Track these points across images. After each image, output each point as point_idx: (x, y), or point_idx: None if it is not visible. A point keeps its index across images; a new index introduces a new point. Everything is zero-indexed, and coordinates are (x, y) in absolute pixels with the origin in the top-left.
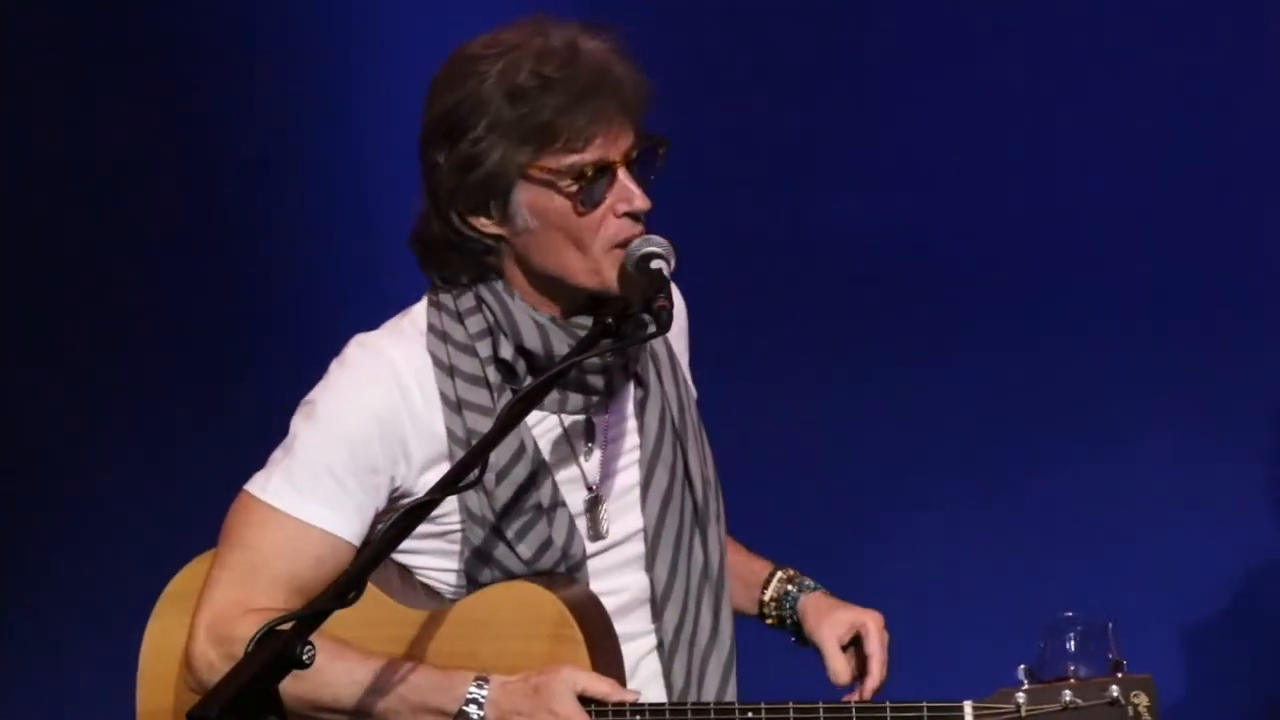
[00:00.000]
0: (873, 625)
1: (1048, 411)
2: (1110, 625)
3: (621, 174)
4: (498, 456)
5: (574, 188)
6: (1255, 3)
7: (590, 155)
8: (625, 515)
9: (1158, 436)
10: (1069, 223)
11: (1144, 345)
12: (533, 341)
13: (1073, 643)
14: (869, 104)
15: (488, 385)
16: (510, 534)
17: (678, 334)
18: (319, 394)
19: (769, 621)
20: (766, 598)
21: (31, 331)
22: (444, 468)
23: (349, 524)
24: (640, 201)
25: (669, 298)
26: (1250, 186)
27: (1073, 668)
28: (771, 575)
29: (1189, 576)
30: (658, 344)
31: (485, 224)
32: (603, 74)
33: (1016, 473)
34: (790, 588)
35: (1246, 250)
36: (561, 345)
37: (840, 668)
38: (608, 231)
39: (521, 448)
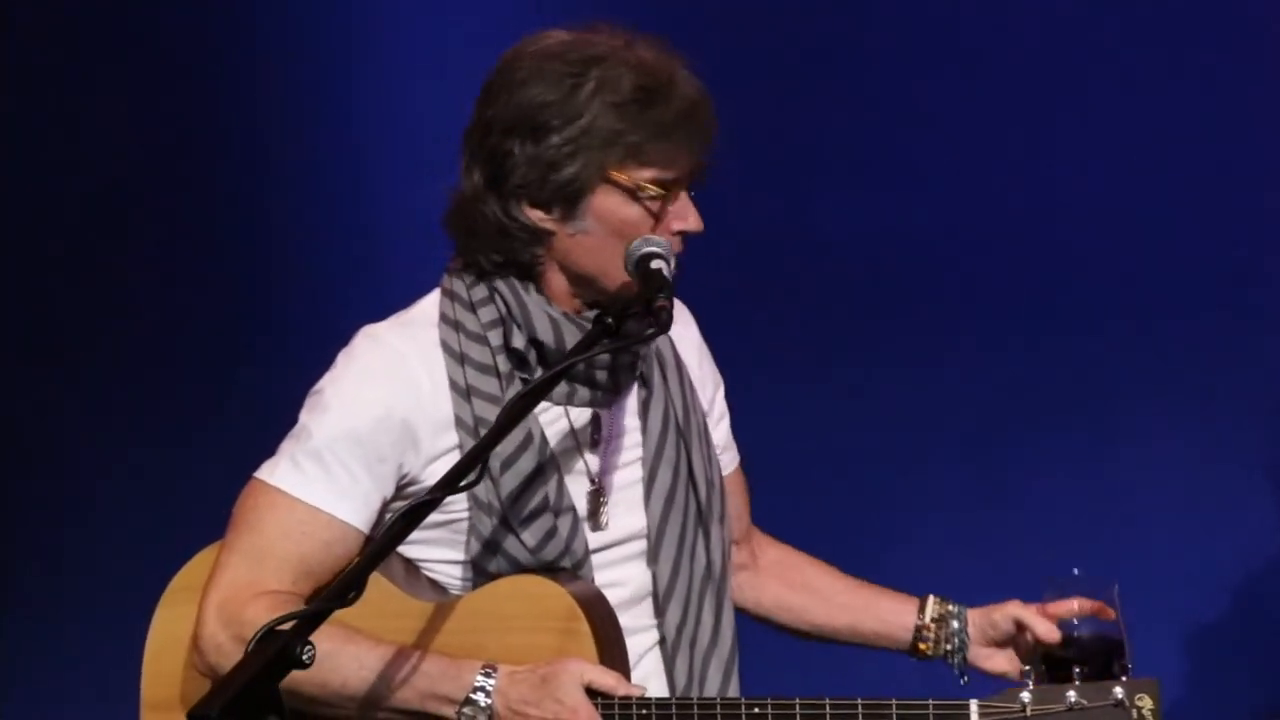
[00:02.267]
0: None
1: (1050, 412)
2: (1115, 587)
3: (684, 195)
4: (504, 445)
5: (655, 203)
6: (1255, 2)
7: (670, 174)
8: (628, 511)
9: (1160, 437)
10: (1070, 222)
11: (1146, 345)
12: (545, 334)
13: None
14: (871, 104)
15: (497, 374)
16: (516, 522)
17: (686, 348)
18: (327, 384)
19: (923, 647)
20: (926, 620)
21: (32, 331)
22: (453, 455)
23: (357, 511)
24: (696, 223)
25: (669, 298)
26: (1253, 186)
27: (1077, 631)
28: (924, 600)
29: (1191, 577)
30: (663, 348)
31: (542, 218)
32: (695, 104)
33: (1018, 473)
34: (951, 607)
35: (1248, 250)
36: (573, 339)
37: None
38: None
39: (529, 437)
